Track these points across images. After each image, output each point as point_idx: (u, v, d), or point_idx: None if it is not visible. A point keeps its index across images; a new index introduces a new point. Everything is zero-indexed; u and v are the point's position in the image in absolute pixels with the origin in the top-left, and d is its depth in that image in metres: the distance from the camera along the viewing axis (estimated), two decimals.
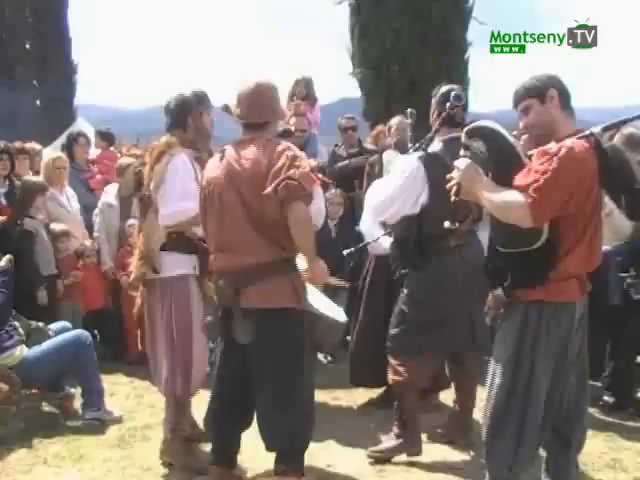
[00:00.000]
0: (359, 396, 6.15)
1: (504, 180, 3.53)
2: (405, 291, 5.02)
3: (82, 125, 14.02)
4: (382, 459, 5.01)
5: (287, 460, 4.08)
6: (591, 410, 5.91)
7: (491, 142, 3.70)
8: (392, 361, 5.03)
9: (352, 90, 14.14)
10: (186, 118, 4.82)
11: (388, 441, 5.09)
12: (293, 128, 7.73)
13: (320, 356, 7.47)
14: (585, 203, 3.47)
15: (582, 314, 3.66)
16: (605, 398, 6.06)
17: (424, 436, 5.17)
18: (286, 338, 3.96)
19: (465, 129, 3.94)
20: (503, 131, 3.73)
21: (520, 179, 3.49)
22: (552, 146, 3.50)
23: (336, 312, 4.89)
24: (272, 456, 4.17)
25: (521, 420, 3.63)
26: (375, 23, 12.97)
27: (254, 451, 4.53)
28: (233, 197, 3.99)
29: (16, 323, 5.82)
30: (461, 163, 3.73)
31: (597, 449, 5.14)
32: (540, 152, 3.50)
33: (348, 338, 7.56)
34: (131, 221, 7.21)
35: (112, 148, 10.23)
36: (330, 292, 7.11)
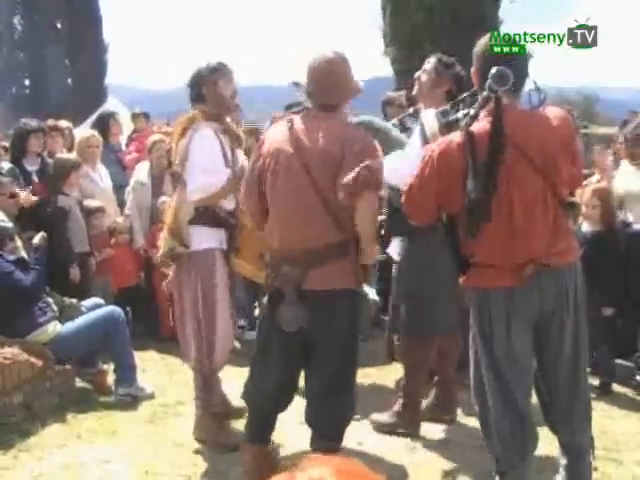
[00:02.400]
0: (390, 374, 6.13)
1: None
2: (396, 267, 5.05)
3: (113, 104, 14.08)
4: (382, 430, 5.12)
5: (328, 440, 4.00)
6: (623, 390, 5.90)
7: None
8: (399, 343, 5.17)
9: (384, 69, 14.04)
10: (200, 90, 4.81)
11: (388, 416, 5.14)
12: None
13: None
14: (462, 199, 3.40)
15: (553, 302, 3.54)
16: (638, 378, 6.00)
17: (459, 411, 5.18)
18: (348, 320, 3.90)
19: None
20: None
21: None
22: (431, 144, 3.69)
23: (369, 291, 4.84)
24: (301, 432, 4.18)
25: (482, 403, 3.65)
26: (406, 0, 12.85)
27: (285, 427, 4.53)
28: (301, 173, 3.83)
29: (49, 300, 5.88)
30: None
31: (630, 429, 5.11)
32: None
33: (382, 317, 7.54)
34: (163, 198, 7.24)
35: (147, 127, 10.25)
36: None
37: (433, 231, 4.09)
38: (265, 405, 4.20)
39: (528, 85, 3.57)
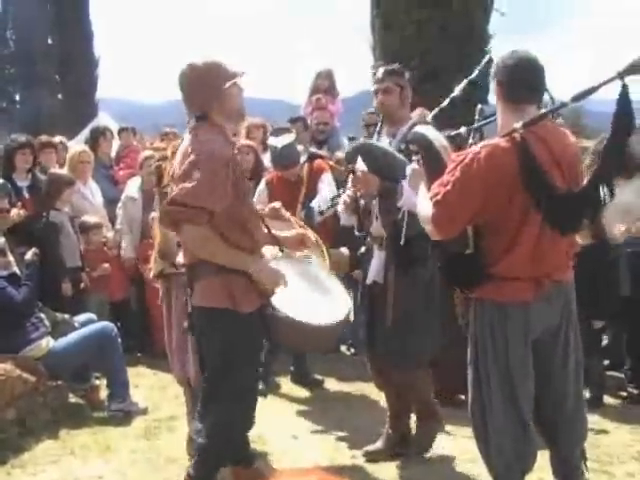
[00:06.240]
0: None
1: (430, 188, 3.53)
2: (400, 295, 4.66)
3: (104, 119, 14.06)
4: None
5: (194, 466, 3.95)
6: (615, 402, 5.93)
7: (422, 149, 3.72)
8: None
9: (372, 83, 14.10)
10: None
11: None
12: (315, 122, 7.77)
13: (343, 348, 7.49)
14: (507, 207, 3.36)
15: (559, 317, 3.55)
16: (629, 390, 6.03)
17: (452, 426, 5.18)
18: (215, 338, 3.83)
19: (408, 137, 3.99)
20: (431, 136, 3.70)
21: (432, 189, 3.47)
22: (463, 152, 3.45)
23: (330, 311, 4.32)
24: (293, 447, 4.15)
25: (483, 421, 3.59)
26: (396, 14, 12.92)
27: (276, 442, 4.53)
28: None
29: (42, 315, 5.88)
30: (408, 169, 3.81)
31: (621, 441, 5.12)
32: (452, 158, 3.48)
33: None
34: (154, 214, 7.24)
35: (135, 142, 10.22)
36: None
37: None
38: None
39: None
